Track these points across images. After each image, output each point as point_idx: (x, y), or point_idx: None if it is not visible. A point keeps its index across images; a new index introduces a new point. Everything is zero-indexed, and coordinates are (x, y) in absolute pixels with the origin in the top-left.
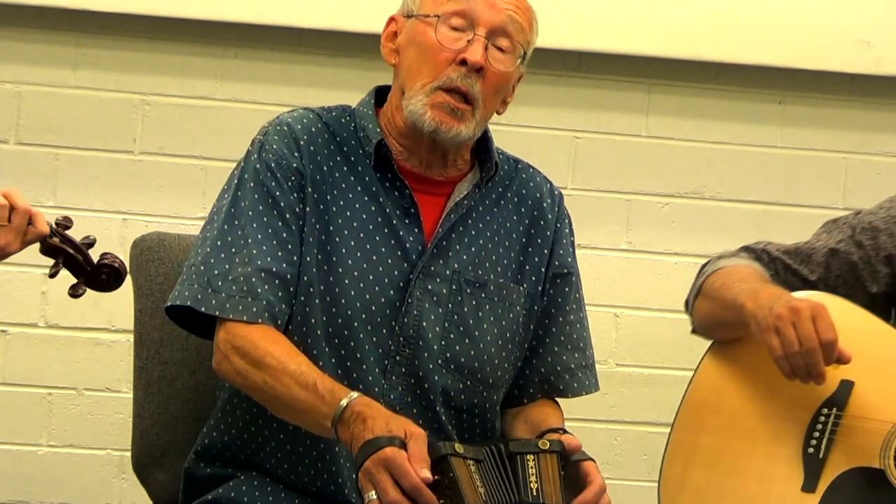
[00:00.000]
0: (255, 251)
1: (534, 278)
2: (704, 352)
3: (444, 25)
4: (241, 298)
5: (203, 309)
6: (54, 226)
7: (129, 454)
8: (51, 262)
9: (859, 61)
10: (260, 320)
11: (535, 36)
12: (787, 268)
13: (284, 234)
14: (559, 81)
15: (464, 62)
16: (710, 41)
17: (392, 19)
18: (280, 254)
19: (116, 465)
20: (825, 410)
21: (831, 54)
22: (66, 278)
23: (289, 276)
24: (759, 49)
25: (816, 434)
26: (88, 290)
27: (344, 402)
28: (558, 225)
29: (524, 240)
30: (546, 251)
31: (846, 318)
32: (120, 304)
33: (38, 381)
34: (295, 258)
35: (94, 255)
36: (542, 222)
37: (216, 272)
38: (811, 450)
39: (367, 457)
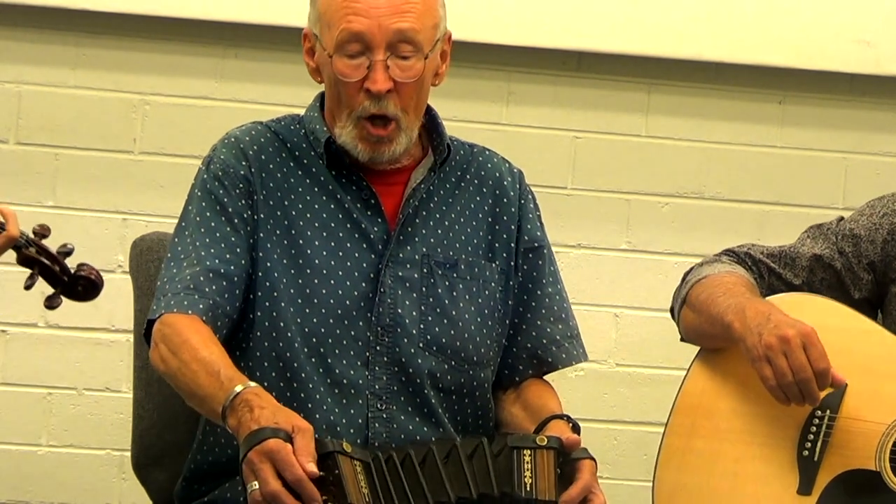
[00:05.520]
0: (202, 253)
1: (505, 254)
2: (694, 356)
3: (341, 57)
4: (186, 295)
5: (154, 316)
6: (31, 234)
7: (129, 454)
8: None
9: (859, 61)
10: (204, 318)
11: (443, 8)
12: (771, 271)
13: (232, 238)
14: (559, 81)
15: (369, 90)
16: (710, 41)
17: (305, 35)
18: (228, 256)
19: (116, 465)
20: (819, 412)
21: (831, 54)
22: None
23: (236, 278)
24: (759, 49)
25: (811, 436)
26: (65, 300)
27: (236, 390)
28: (522, 201)
29: (490, 219)
30: (513, 227)
31: (837, 319)
32: (120, 304)
33: (38, 381)
34: (243, 261)
35: (72, 263)
36: (505, 200)
37: (165, 279)
38: (806, 452)
39: (250, 447)
